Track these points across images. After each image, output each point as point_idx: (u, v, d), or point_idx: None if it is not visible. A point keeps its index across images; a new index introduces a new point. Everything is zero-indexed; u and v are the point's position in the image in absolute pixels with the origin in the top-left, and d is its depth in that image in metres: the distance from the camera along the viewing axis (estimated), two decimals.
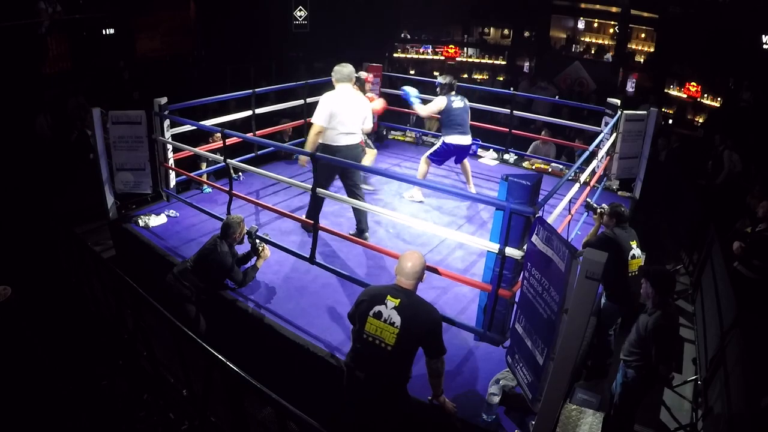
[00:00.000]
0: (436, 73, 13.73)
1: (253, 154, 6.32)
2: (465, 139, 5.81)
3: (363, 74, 5.85)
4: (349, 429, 3.03)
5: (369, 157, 5.99)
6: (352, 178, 4.81)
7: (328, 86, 5.40)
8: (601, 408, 3.36)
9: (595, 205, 4.53)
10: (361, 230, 4.90)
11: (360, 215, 4.87)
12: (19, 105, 7.48)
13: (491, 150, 7.76)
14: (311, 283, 4.39)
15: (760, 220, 5.01)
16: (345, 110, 4.61)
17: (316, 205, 4.67)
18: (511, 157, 7.60)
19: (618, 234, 4.10)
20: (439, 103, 5.76)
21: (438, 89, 5.86)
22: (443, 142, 5.83)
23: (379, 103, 6.01)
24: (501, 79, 13.11)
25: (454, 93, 5.78)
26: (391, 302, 2.74)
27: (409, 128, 8.47)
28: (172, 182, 5.73)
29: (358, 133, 4.83)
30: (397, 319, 2.70)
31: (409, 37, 14.75)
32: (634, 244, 4.11)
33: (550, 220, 3.34)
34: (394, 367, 2.79)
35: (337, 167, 4.64)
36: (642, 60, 12.65)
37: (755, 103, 9.65)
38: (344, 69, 4.75)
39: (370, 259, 4.65)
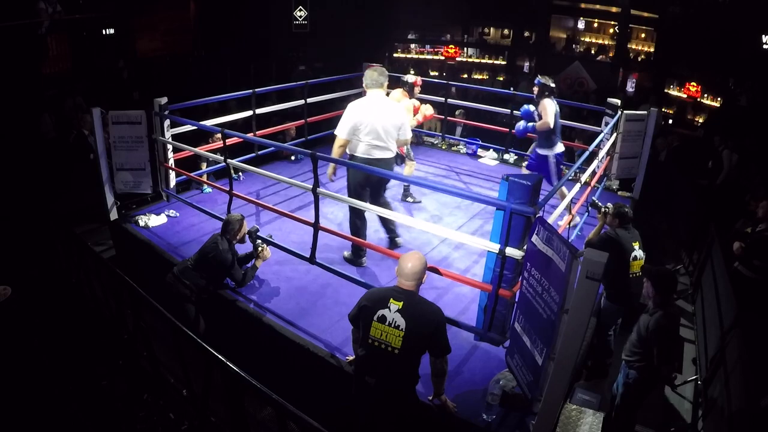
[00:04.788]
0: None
1: (253, 154, 6.31)
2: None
3: (410, 78, 5.44)
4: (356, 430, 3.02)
5: (408, 169, 5.80)
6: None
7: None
8: (601, 408, 3.36)
9: (599, 204, 4.54)
10: (392, 240, 4.77)
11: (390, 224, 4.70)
12: (20, 105, 7.48)
13: (491, 150, 7.75)
14: (311, 283, 4.39)
15: (760, 220, 5.01)
16: (372, 120, 4.20)
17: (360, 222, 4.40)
18: (511, 157, 7.60)
19: (621, 235, 4.10)
20: (552, 108, 5.07)
21: (541, 92, 5.16)
22: (555, 155, 5.21)
23: (429, 109, 5.58)
24: (501, 79, 13.11)
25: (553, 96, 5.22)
26: (394, 305, 2.72)
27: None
28: (172, 182, 5.74)
29: (392, 145, 4.34)
30: (401, 322, 2.69)
31: (409, 37, 14.75)
32: (636, 245, 4.11)
33: (550, 220, 3.34)
34: (402, 369, 2.78)
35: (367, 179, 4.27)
36: (642, 60, 12.66)
37: (754, 104, 9.64)
38: (374, 73, 4.25)
39: (370, 259, 4.65)
